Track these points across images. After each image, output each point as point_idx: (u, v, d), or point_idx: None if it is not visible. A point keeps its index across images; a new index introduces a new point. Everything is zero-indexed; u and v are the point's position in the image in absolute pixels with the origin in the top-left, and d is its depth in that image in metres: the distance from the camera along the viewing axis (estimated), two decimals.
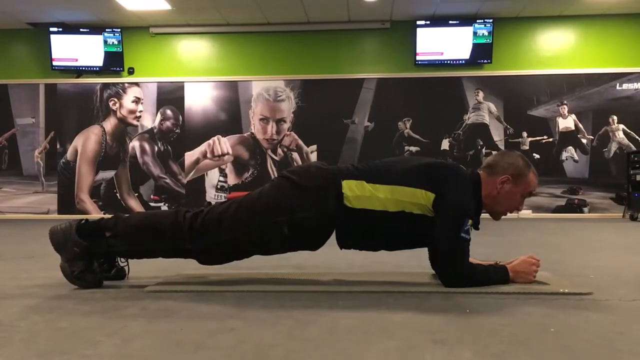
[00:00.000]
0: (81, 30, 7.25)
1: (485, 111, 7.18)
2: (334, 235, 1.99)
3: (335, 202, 1.92)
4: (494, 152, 7.12)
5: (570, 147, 7.11)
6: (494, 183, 2.02)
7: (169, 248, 2.01)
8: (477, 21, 6.98)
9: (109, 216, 2.07)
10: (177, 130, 7.40)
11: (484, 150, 7.14)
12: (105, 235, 2.00)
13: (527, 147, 7.11)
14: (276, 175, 2.09)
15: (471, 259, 1.99)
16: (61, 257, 2.00)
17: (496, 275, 1.97)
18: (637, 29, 6.98)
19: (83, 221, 2.03)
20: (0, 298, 1.89)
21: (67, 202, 7.39)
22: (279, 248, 2.03)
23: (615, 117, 7.04)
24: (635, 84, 7.00)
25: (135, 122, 7.42)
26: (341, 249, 2.03)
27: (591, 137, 7.09)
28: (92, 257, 2.01)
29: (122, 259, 2.13)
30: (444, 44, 7.05)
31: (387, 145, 7.12)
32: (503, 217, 2.12)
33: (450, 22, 7.03)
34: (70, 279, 2.00)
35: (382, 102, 7.23)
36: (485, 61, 7.05)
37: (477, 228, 2.02)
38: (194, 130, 7.37)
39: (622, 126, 7.04)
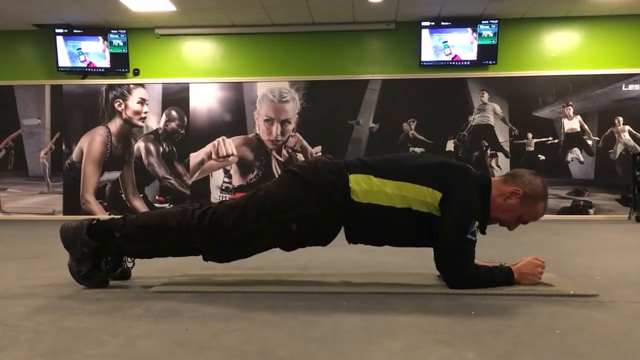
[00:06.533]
0: (86, 31, 7.27)
1: (490, 112, 7.17)
2: (340, 234, 1.99)
3: (342, 197, 1.91)
4: (499, 154, 7.14)
5: (576, 149, 7.09)
6: (504, 190, 1.99)
7: (177, 247, 2.02)
8: (482, 22, 6.96)
9: (119, 216, 2.07)
10: (182, 131, 7.41)
11: (489, 152, 7.12)
12: (115, 236, 1.99)
13: (532, 149, 7.09)
14: (283, 170, 2.07)
15: (476, 261, 1.99)
16: (70, 255, 2.01)
17: (501, 277, 1.97)
18: None
19: (94, 221, 2.03)
20: (6, 298, 1.90)
21: (72, 203, 7.41)
22: (288, 244, 2.02)
23: (621, 119, 7.01)
24: None
25: (140, 123, 7.44)
26: (349, 243, 2.03)
27: (597, 138, 7.06)
28: (100, 257, 2.02)
29: (130, 259, 2.14)
30: (448, 44, 7.04)
31: (392, 146, 7.11)
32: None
33: (455, 23, 7.02)
34: (77, 278, 2.00)
35: (386, 103, 7.22)
36: (490, 62, 7.04)
37: (483, 232, 2.00)
38: (198, 131, 7.39)
39: (627, 127, 7.01)
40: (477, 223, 1.91)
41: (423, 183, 1.92)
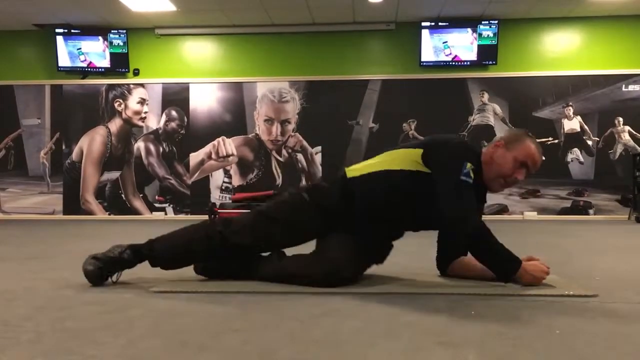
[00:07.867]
0: (86, 31, 7.27)
1: (490, 112, 7.17)
2: None
3: (342, 179, 2.11)
4: None
5: (576, 149, 7.09)
6: (489, 150, 2.08)
7: (202, 241, 2.08)
8: (483, 22, 6.96)
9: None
10: (182, 131, 7.41)
11: None
12: (150, 241, 2.12)
13: None
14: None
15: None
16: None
17: (508, 255, 1.94)
18: None
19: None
20: (7, 298, 1.90)
21: (72, 203, 7.41)
22: (306, 222, 2.09)
23: (621, 119, 7.01)
24: None
25: (140, 123, 7.44)
26: (359, 231, 2.09)
27: (597, 138, 7.06)
28: (121, 266, 2.07)
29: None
30: (448, 45, 7.05)
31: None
32: (502, 192, 2.18)
33: (456, 23, 7.02)
34: (85, 265, 2.04)
35: (386, 104, 7.22)
36: (491, 62, 7.04)
37: (484, 200, 2.16)
38: (198, 131, 7.39)
39: (627, 128, 7.01)
40: (469, 165, 1.94)
41: (406, 147, 2.12)
